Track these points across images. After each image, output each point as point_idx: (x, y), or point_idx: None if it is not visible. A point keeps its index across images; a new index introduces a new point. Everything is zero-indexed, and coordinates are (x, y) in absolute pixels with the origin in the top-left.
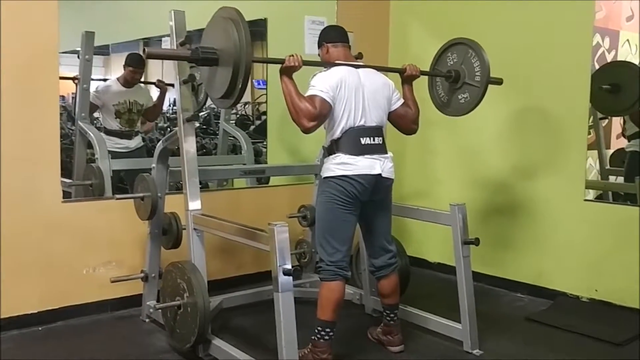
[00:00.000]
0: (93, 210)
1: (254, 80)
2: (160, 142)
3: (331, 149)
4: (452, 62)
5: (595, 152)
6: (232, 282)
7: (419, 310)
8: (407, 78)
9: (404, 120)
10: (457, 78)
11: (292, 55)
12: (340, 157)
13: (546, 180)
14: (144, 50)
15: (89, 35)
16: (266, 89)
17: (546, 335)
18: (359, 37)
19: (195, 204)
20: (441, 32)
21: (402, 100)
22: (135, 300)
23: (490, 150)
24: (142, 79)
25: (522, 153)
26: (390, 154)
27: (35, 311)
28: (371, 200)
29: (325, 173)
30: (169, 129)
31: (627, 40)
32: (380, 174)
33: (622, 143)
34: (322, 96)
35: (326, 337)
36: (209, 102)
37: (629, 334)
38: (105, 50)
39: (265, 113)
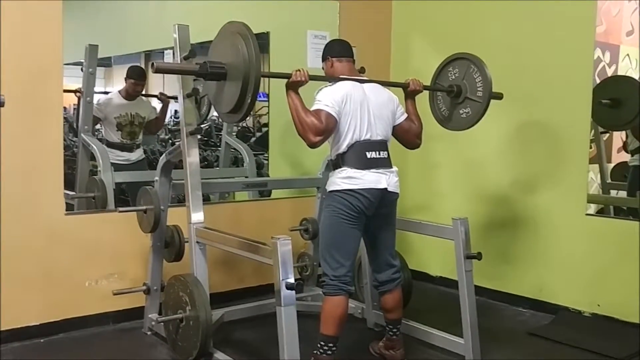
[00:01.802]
0: (96, 222)
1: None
2: (164, 155)
3: (337, 163)
4: (453, 77)
5: (597, 166)
6: (234, 295)
7: (421, 324)
8: (410, 93)
9: (408, 135)
10: (459, 93)
11: (299, 70)
12: (347, 171)
13: (548, 194)
14: (152, 64)
15: (92, 49)
16: (268, 101)
17: (548, 350)
18: (361, 51)
19: (198, 217)
20: (443, 47)
21: (405, 115)
22: (137, 313)
23: (492, 164)
24: (144, 92)
25: (524, 167)
26: (395, 168)
27: (37, 323)
28: (376, 214)
29: (330, 187)
30: (170, 141)
31: (627, 54)
32: (386, 189)
33: (623, 157)
34: (328, 110)
35: (329, 352)
36: (210, 114)
37: (631, 350)
38: (107, 62)
39: (266, 125)
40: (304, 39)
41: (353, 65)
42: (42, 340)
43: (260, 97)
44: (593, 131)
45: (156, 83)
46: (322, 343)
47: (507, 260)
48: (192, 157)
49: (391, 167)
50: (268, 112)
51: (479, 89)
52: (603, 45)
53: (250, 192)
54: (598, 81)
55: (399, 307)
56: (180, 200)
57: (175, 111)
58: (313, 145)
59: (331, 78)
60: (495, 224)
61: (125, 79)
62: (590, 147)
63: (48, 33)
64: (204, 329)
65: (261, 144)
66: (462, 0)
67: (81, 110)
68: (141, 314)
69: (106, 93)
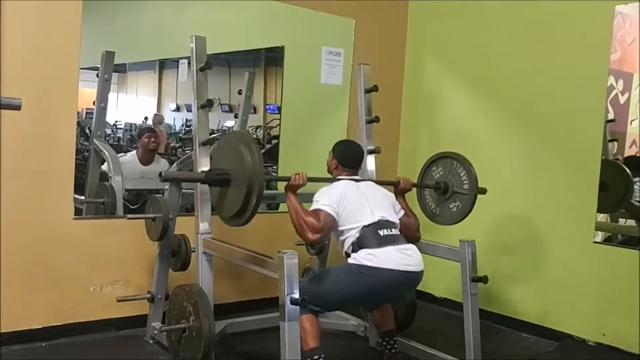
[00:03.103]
0: (104, 228)
1: (266, 105)
2: (175, 164)
3: (354, 249)
4: (438, 175)
5: None
6: (237, 307)
7: (424, 345)
8: (400, 191)
9: (409, 229)
10: (446, 189)
11: (297, 174)
12: (366, 250)
13: (555, 220)
14: (160, 174)
15: (109, 55)
16: (279, 114)
17: None
18: (374, 70)
19: (206, 228)
20: (455, 70)
21: (403, 211)
22: (140, 321)
23: (501, 188)
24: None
25: (533, 192)
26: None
27: (40, 327)
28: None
29: (351, 261)
30: (180, 149)
31: None
32: (411, 271)
33: None
34: (326, 210)
35: None
36: (220, 124)
37: None
38: (122, 68)
39: (276, 137)
40: (318, 55)
41: (357, 174)
42: (43, 344)
43: (270, 109)
44: (603, 158)
45: (170, 93)
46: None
47: (512, 284)
48: (203, 167)
49: (406, 243)
50: (279, 124)
51: (464, 182)
52: (617, 72)
53: None
54: (610, 109)
55: (389, 317)
56: (187, 209)
57: (187, 120)
58: (311, 243)
59: (328, 179)
60: (502, 247)
61: (137, 138)
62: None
63: (66, 37)
64: (207, 340)
65: (270, 156)
66: (477, 26)
67: (95, 116)
68: (144, 322)
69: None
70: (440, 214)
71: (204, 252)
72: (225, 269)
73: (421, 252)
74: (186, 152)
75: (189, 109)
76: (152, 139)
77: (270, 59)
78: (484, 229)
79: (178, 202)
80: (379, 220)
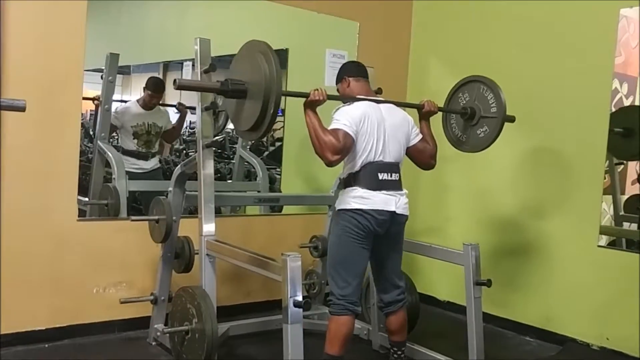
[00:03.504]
0: (107, 230)
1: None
2: (179, 166)
3: (348, 182)
4: (464, 101)
5: (610, 197)
6: (240, 309)
7: (427, 349)
8: (425, 114)
9: (423, 155)
10: (473, 114)
11: (317, 90)
12: (357, 191)
13: (560, 224)
14: (175, 80)
15: (113, 57)
16: (283, 116)
17: None
18: (378, 72)
19: (209, 230)
20: (459, 71)
21: (420, 136)
22: (143, 323)
23: (505, 190)
24: (162, 101)
25: (537, 194)
26: (405, 190)
27: (43, 328)
28: (384, 235)
29: (340, 205)
30: (185, 151)
31: None
32: (395, 211)
33: (637, 189)
34: (345, 130)
35: None
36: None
37: None
38: (126, 70)
39: (279, 139)
40: (322, 57)
41: (369, 85)
42: (46, 345)
43: None
44: (607, 162)
45: (174, 92)
46: None
47: (515, 288)
48: (207, 169)
49: (401, 189)
50: (283, 127)
51: (492, 106)
52: (621, 76)
53: (262, 206)
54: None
55: (404, 328)
56: (191, 211)
57: (191, 122)
58: (330, 164)
59: (349, 97)
60: (505, 250)
61: (144, 89)
62: (604, 178)
63: (71, 39)
64: (210, 343)
65: (274, 158)
66: (481, 26)
67: (99, 117)
68: (147, 324)
69: (124, 101)
70: (466, 141)
71: (207, 254)
72: (229, 271)
73: (424, 255)
74: (190, 154)
75: (193, 112)
76: (153, 99)
77: None
78: (487, 232)
79: (182, 203)
80: (383, 161)
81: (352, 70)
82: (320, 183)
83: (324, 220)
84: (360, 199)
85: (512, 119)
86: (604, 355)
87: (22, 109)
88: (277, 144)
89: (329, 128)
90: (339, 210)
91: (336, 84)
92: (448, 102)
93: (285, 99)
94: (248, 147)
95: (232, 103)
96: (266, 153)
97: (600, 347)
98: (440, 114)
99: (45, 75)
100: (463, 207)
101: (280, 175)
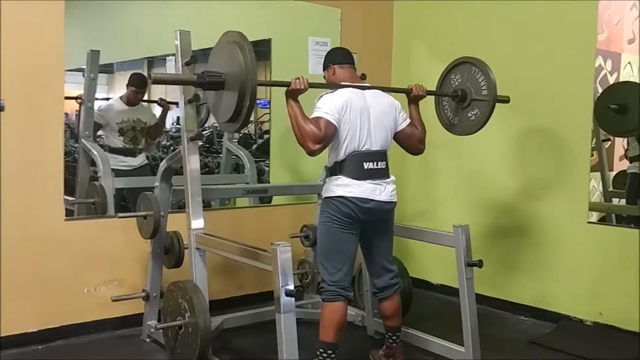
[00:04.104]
0: (95, 228)
1: (256, 100)
2: (164, 161)
3: (334, 170)
4: (456, 83)
5: (598, 174)
6: (234, 302)
7: (421, 332)
8: (413, 98)
9: (411, 140)
10: (464, 97)
11: (298, 78)
12: (342, 179)
13: (549, 202)
14: (149, 75)
15: (94, 54)
16: (269, 108)
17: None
18: (362, 58)
19: (198, 223)
20: (444, 54)
21: (408, 121)
22: (136, 320)
23: (494, 172)
24: (145, 97)
25: (525, 175)
26: (392, 177)
27: (35, 330)
28: (372, 221)
29: (326, 193)
30: (172, 147)
31: (629, 62)
32: (380, 200)
33: (625, 165)
34: (327, 118)
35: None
36: (212, 120)
37: (633, 359)
38: (109, 68)
39: (267, 132)
40: (305, 46)
41: (354, 72)
42: (40, 347)
43: (262, 104)
44: (595, 139)
45: (159, 88)
46: (321, 350)
47: (508, 268)
48: (193, 163)
49: (388, 177)
50: (270, 119)
51: (483, 88)
52: (605, 53)
53: (251, 198)
54: (600, 89)
55: (398, 313)
56: (180, 206)
57: (177, 118)
58: (312, 153)
59: (331, 85)
60: (497, 231)
61: (127, 86)
62: (592, 155)
63: (50, 38)
64: (203, 336)
65: (262, 151)
66: (463, 7)
67: (82, 116)
68: (140, 321)
69: (108, 99)
70: (458, 124)
71: (197, 248)
72: (221, 265)
73: (415, 239)
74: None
75: (177, 106)
76: (138, 95)
77: (257, 53)
78: (478, 214)
79: (169, 198)
80: (368, 150)
81: (337, 57)
82: (308, 173)
83: (313, 210)
84: (344, 187)
85: (506, 100)
86: (598, 331)
87: (1, 109)
88: (266, 136)
89: (311, 117)
90: (324, 198)
91: (323, 71)
92: (440, 84)
93: (271, 90)
94: (236, 140)
95: (212, 95)
96: (255, 146)
97: (594, 322)
98: (432, 97)
99: (25, 75)
100: (453, 190)
101: (268, 167)
